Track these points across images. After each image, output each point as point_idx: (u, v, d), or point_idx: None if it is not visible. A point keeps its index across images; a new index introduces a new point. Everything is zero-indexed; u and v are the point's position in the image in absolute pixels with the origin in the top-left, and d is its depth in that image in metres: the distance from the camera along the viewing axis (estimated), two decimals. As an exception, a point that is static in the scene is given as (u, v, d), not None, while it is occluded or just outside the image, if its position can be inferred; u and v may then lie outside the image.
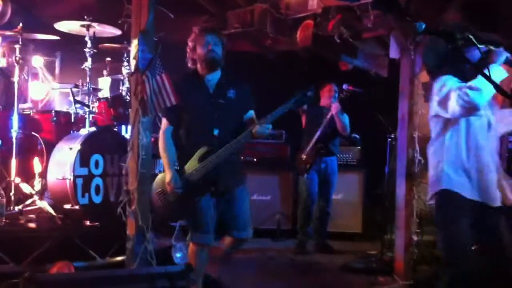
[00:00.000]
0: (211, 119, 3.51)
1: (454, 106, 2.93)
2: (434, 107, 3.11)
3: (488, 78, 2.73)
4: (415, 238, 4.75)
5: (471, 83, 2.92)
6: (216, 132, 3.49)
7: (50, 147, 5.05)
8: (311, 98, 3.45)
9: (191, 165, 3.52)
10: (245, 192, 3.71)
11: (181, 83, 3.57)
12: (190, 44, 3.61)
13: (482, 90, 2.87)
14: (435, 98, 3.07)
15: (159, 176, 3.69)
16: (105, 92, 5.83)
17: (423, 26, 3.01)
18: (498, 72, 2.92)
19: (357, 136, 6.79)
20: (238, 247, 3.78)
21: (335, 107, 5.95)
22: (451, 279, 3.07)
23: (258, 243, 5.96)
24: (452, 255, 3.09)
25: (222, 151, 3.44)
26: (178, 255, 4.64)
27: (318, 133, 5.99)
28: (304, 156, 6.04)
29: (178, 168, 3.56)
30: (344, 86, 5.99)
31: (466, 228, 3.03)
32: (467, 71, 3.03)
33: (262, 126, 3.41)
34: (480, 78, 2.85)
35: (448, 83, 3.02)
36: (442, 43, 3.00)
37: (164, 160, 3.58)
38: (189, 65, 3.61)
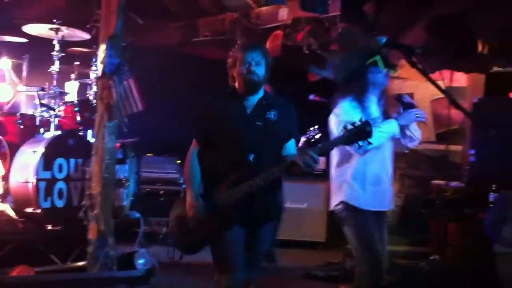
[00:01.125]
0: (246, 143, 3.11)
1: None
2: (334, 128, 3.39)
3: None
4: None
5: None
6: (251, 157, 3.09)
7: (15, 150, 4.99)
8: (370, 133, 2.93)
9: (220, 191, 3.11)
10: (273, 228, 3.38)
11: (216, 102, 3.24)
12: (229, 59, 3.18)
13: (374, 144, 3.09)
14: (334, 128, 3.36)
15: (181, 201, 3.31)
16: (72, 96, 5.79)
17: (384, 40, 3.17)
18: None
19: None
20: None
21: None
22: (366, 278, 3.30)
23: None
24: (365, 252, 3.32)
25: (257, 180, 3.02)
26: (140, 261, 4.62)
27: None
28: None
29: (204, 193, 3.18)
30: (311, 97, 6.02)
31: (372, 230, 3.33)
32: (365, 92, 3.37)
33: (308, 156, 2.93)
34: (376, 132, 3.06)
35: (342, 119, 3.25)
36: (354, 61, 3.26)
37: (187, 182, 3.24)
38: (229, 81, 3.24)
